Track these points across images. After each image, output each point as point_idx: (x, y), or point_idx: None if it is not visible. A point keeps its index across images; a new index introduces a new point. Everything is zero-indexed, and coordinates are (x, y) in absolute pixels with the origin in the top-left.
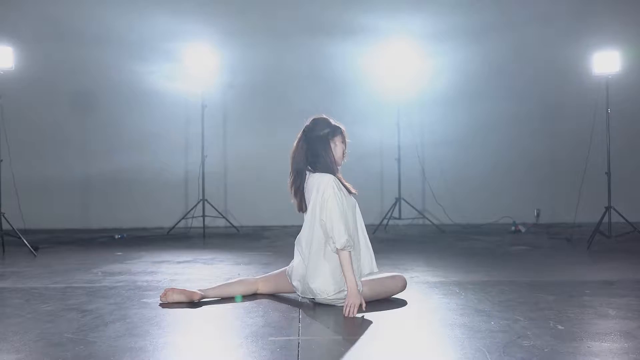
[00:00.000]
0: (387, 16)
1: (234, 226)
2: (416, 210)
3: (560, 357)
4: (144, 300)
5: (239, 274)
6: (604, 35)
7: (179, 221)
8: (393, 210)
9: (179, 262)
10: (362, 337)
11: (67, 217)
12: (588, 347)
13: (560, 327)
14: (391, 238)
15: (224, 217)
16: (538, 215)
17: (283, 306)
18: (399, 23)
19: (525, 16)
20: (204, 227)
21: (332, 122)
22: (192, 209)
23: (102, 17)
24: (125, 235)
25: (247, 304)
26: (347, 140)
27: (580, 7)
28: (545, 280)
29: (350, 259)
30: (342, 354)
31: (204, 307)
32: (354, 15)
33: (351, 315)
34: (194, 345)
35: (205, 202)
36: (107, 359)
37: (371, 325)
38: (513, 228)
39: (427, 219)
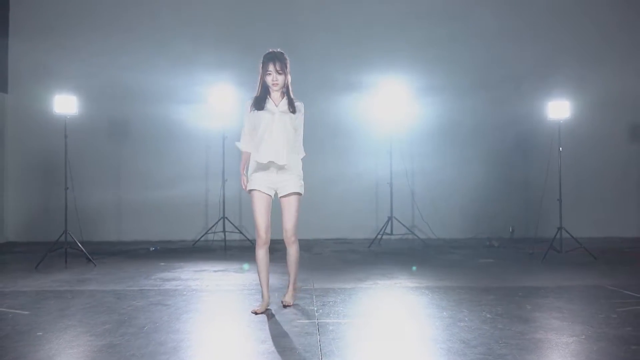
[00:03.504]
0: (385, 72)
1: (249, 240)
2: (405, 227)
3: (479, 332)
4: (204, 299)
5: None
6: (558, 88)
7: (203, 235)
8: (386, 227)
9: (216, 271)
10: (357, 320)
11: (104, 231)
12: (499, 327)
13: (488, 315)
14: (384, 251)
15: (240, 232)
16: (513, 231)
17: (302, 302)
18: (395, 78)
19: (500, 76)
20: (224, 240)
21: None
22: (214, 225)
23: (145, 71)
24: (158, 247)
25: (277, 299)
26: (270, 71)
27: (540, 69)
28: (493, 286)
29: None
30: (348, 331)
31: (251, 302)
32: (356, 72)
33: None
34: (250, 323)
35: (225, 219)
36: (199, 331)
37: (363, 313)
38: (487, 243)
39: (415, 235)
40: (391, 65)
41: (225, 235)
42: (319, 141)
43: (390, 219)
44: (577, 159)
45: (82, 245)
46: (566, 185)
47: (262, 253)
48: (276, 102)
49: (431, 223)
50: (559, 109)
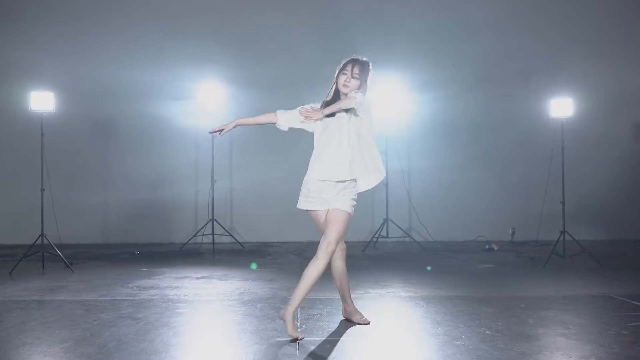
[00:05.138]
0: (380, 67)
1: (239, 243)
2: (402, 229)
3: (477, 353)
4: (179, 310)
5: (249, 289)
6: (561, 86)
7: (191, 238)
8: (381, 230)
9: (198, 278)
10: (345, 337)
11: (89, 234)
12: (500, 346)
13: (487, 332)
14: (379, 255)
15: (230, 235)
16: (513, 233)
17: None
18: (390, 73)
19: (501, 73)
20: (213, 243)
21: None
22: (202, 228)
23: (129, 67)
24: (143, 251)
25: (258, 312)
26: (347, 72)
27: (542, 66)
28: (492, 296)
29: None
30: (331, 352)
31: (230, 315)
32: None
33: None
34: (224, 342)
35: (214, 222)
36: (166, 352)
37: (351, 329)
38: (487, 246)
39: (411, 237)
40: (386, 59)
41: (213, 238)
42: (311, 139)
43: (386, 221)
44: (580, 159)
45: (61, 248)
46: (569, 186)
47: None
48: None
49: (428, 225)
50: (562, 107)
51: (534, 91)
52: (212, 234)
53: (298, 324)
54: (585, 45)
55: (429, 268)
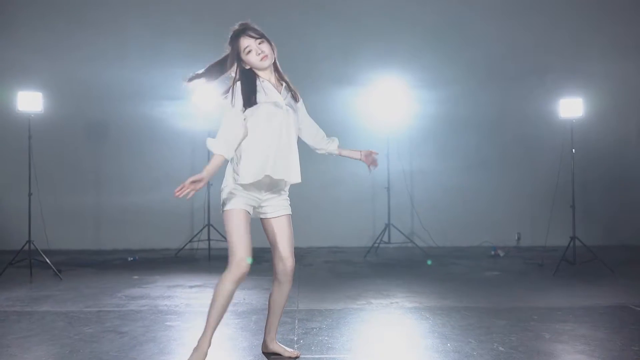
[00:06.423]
0: (382, 65)
1: None
2: (404, 235)
3: None
4: (168, 323)
5: (244, 298)
6: (570, 85)
7: (186, 244)
8: (383, 235)
9: (191, 287)
10: (345, 354)
11: (82, 239)
12: None
13: (501, 348)
14: (381, 262)
15: (226, 240)
16: (519, 239)
17: (282, 328)
18: (393, 71)
19: (508, 71)
20: (209, 249)
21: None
22: (198, 233)
23: (122, 67)
24: (137, 257)
25: (253, 325)
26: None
27: (551, 64)
28: (502, 307)
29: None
30: None
31: (222, 329)
32: (348, 64)
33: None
34: (214, 359)
35: (211, 227)
36: None
37: (353, 345)
38: (492, 252)
39: (414, 243)
40: (389, 56)
41: (209, 244)
42: None
43: (387, 226)
44: (590, 161)
45: (51, 255)
46: (579, 189)
47: None
48: (278, 89)
49: (432, 230)
50: (571, 107)
51: (544, 91)
52: (208, 239)
53: (295, 338)
54: (596, 45)
55: (429, 262)
